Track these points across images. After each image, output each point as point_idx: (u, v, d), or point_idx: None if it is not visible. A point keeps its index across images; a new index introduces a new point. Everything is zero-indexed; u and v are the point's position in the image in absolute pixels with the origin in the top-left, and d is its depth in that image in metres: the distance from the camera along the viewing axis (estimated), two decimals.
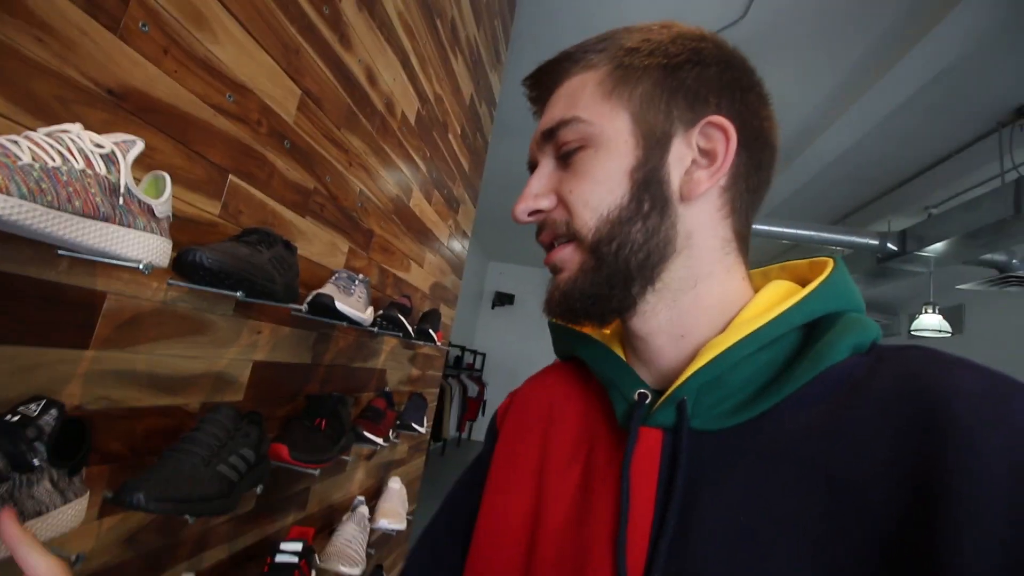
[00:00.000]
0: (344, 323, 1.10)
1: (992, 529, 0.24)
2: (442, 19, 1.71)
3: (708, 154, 0.38)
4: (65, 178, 0.47)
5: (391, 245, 1.57)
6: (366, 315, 1.16)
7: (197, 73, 0.73)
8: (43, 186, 0.45)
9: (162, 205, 0.59)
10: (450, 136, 1.98)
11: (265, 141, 0.91)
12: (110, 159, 0.51)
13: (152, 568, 0.79)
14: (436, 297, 2.11)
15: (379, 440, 1.41)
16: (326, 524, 1.42)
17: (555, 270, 0.41)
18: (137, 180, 0.60)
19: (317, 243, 1.15)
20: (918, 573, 0.25)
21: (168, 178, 0.61)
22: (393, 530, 1.64)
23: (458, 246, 2.36)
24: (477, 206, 2.62)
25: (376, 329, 1.28)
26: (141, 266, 0.54)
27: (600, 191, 0.38)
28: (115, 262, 0.54)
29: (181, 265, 0.66)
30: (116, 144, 0.52)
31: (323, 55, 1.05)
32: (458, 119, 2.05)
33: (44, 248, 0.55)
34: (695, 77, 0.38)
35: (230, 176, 0.84)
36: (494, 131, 3.06)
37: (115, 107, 0.61)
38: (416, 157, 1.66)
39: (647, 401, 0.38)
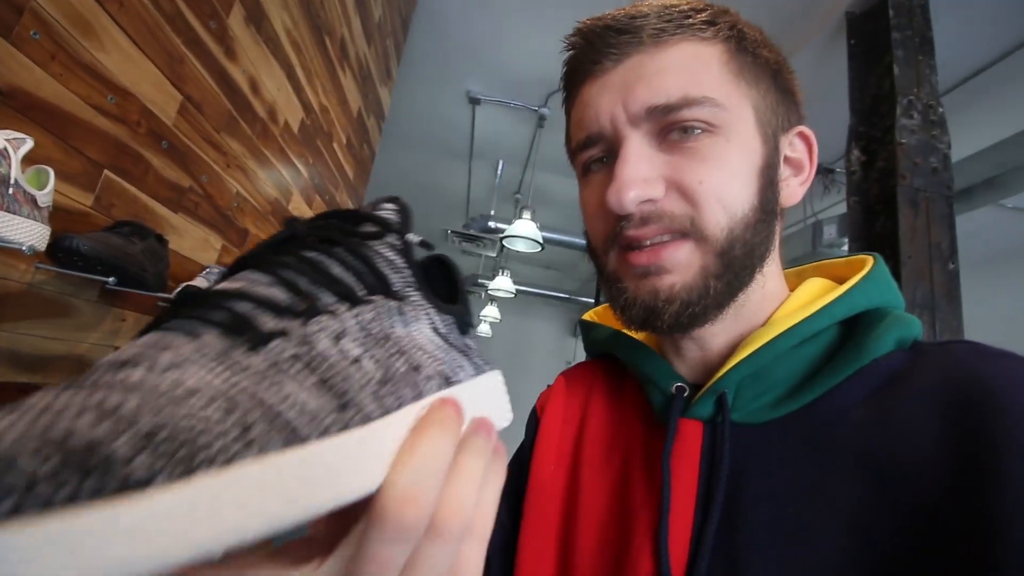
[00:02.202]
0: None
1: None
2: (331, 36, 1.82)
3: (792, 163, 0.38)
4: None
5: None
6: None
7: (81, 76, 0.80)
8: None
9: (44, 196, 0.66)
10: (335, 145, 2.07)
11: (143, 141, 0.98)
12: (2, 154, 0.59)
13: None
14: None
15: None
16: None
17: (656, 272, 0.35)
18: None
19: (189, 239, 1.21)
20: (969, 552, 0.25)
21: (52, 172, 0.68)
22: None
23: None
24: None
25: None
26: (24, 248, 0.62)
27: (735, 187, 0.34)
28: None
29: (57, 250, 0.73)
30: (8, 141, 0.60)
31: (207, 65, 1.13)
32: (344, 130, 2.15)
33: None
34: (790, 84, 0.38)
35: (105, 171, 0.90)
36: (383, 143, 3.17)
37: (1, 104, 0.67)
38: (298, 163, 1.74)
39: (684, 395, 0.37)
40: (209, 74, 1.15)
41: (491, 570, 0.42)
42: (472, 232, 4.58)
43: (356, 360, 0.20)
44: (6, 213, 0.59)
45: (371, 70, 2.37)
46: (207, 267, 1.20)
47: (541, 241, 3.38)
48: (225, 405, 0.16)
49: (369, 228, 0.24)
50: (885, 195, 1.93)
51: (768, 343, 0.34)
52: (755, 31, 0.37)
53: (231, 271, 0.22)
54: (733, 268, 0.34)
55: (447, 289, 0.29)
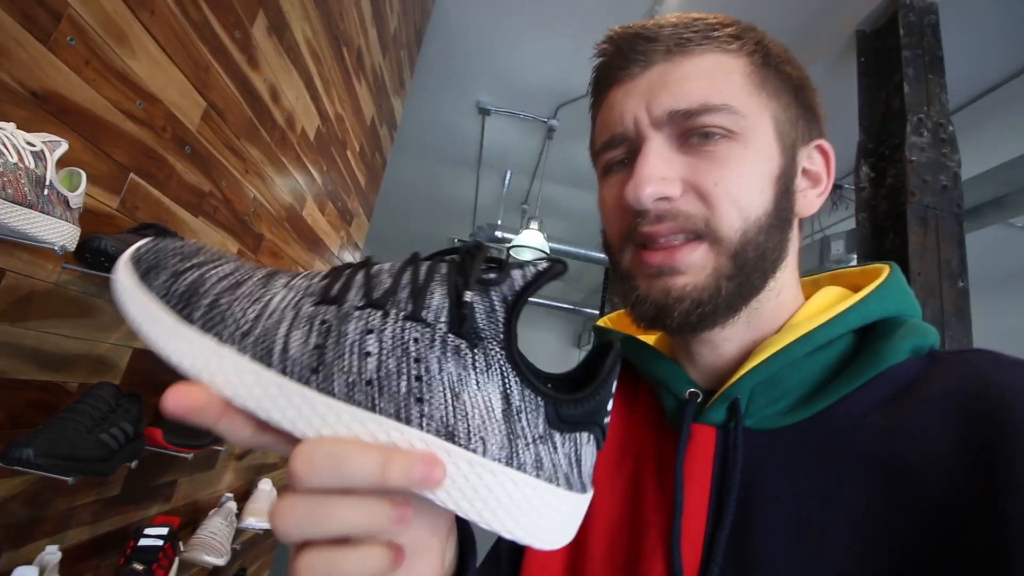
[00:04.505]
0: None
1: None
2: (348, 47, 1.85)
3: (810, 175, 0.39)
4: (1, 169, 0.56)
5: (280, 250, 1.65)
6: None
7: (112, 82, 0.82)
8: None
9: (76, 198, 0.68)
10: (348, 153, 2.10)
11: (167, 145, 1.00)
12: (39, 156, 0.61)
13: (15, 540, 0.82)
14: None
15: None
16: (190, 520, 1.43)
17: (669, 272, 0.35)
18: None
19: (207, 242, 1.22)
20: (979, 558, 0.25)
21: (84, 175, 0.70)
22: (260, 529, 1.66)
23: (349, 257, 2.45)
24: (371, 221, 2.72)
25: None
26: (56, 248, 0.63)
27: (751, 191, 0.35)
28: (30, 242, 0.62)
29: (85, 250, 0.74)
30: (45, 143, 0.62)
31: (230, 73, 1.16)
32: (357, 138, 2.18)
33: None
34: (811, 100, 0.39)
35: (131, 174, 0.92)
36: (393, 151, 3.20)
37: (37, 107, 0.69)
38: (313, 170, 1.76)
39: (698, 400, 0.37)
40: (232, 82, 1.17)
41: (500, 570, 0.42)
42: (479, 241, 4.60)
43: (365, 354, 0.22)
44: (41, 214, 0.61)
45: (385, 80, 2.40)
46: None
47: (548, 252, 3.40)
48: (261, 315, 0.23)
49: (492, 274, 0.24)
50: (894, 212, 1.93)
51: (782, 349, 0.34)
52: (780, 48, 0.39)
53: (425, 258, 0.26)
54: (745, 270, 0.35)
55: (592, 374, 0.26)
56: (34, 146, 0.60)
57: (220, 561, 1.32)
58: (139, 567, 0.98)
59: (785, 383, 0.35)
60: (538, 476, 0.23)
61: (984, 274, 3.98)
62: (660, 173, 0.34)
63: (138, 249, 0.25)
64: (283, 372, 0.21)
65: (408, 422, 0.21)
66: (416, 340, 0.22)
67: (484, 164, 4.12)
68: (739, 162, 0.35)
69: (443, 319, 0.22)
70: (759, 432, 0.34)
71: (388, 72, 2.42)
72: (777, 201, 0.36)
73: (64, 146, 0.65)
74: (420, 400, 0.21)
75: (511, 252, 3.54)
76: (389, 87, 2.50)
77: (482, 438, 0.22)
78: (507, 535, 0.22)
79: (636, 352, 0.43)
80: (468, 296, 0.23)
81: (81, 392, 0.88)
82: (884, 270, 0.38)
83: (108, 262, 0.77)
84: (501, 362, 0.22)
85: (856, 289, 0.38)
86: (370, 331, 0.22)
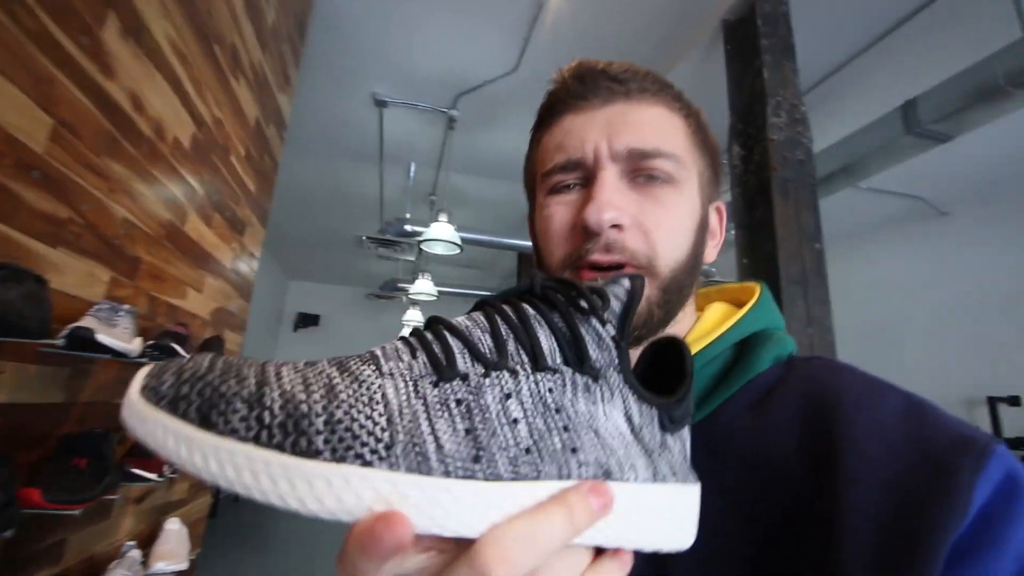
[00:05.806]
0: (108, 356, 1.08)
1: (868, 483, 0.30)
2: (220, 44, 1.72)
3: (710, 230, 0.45)
4: None
5: (162, 272, 1.52)
6: (133, 346, 1.15)
7: None
8: None
9: None
10: (232, 158, 1.96)
11: (9, 173, 0.88)
12: None
13: None
14: (220, 323, 2.03)
15: (153, 476, 1.36)
16: None
17: None
18: None
19: (72, 275, 1.10)
20: (822, 525, 0.30)
21: None
22: (172, 572, 1.55)
23: (245, 268, 2.30)
24: (267, 226, 2.57)
25: (146, 360, 1.25)
26: None
27: (681, 235, 0.40)
28: None
29: None
30: None
31: (80, 84, 1.04)
32: (242, 141, 2.04)
33: None
34: (720, 166, 0.46)
35: None
36: (287, 151, 3.02)
37: None
38: (192, 181, 1.63)
39: None
40: (84, 94, 1.05)
41: None
42: (388, 237, 4.49)
43: (513, 422, 0.21)
44: None
45: (268, 77, 2.25)
46: (96, 303, 1.10)
47: (460, 243, 3.39)
48: (391, 417, 0.19)
49: (588, 303, 0.24)
50: (761, 186, 2.15)
51: None
52: (704, 117, 0.45)
53: (474, 308, 0.25)
54: (671, 303, 0.40)
55: (673, 377, 0.28)
56: None
57: None
58: None
59: None
60: (676, 480, 0.24)
61: (840, 231, 4.56)
62: (617, 202, 0.38)
63: (158, 392, 0.18)
64: (446, 474, 0.19)
65: (570, 476, 0.21)
66: (551, 390, 0.22)
67: (386, 157, 4.01)
68: (676, 207, 0.40)
69: (559, 360, 0.22)
70: None
71: (270, 68, 2.27)
72: (695, 247, 0.41)
73: None
74: (575, 450, 0.21)
75: (422, 246, 3.50)
76: (273, 84, 2.35)
77: (632, 465, 0.23)
78: (663, 549, 0.23)
79: None
80: (580, 331, 0.23)
81: None
82: (756, 290, 0.45)
83: None
84: (620, 386, 0.23)
85: (737, 303, 0.45)
86: (508, 395, 0.21)
